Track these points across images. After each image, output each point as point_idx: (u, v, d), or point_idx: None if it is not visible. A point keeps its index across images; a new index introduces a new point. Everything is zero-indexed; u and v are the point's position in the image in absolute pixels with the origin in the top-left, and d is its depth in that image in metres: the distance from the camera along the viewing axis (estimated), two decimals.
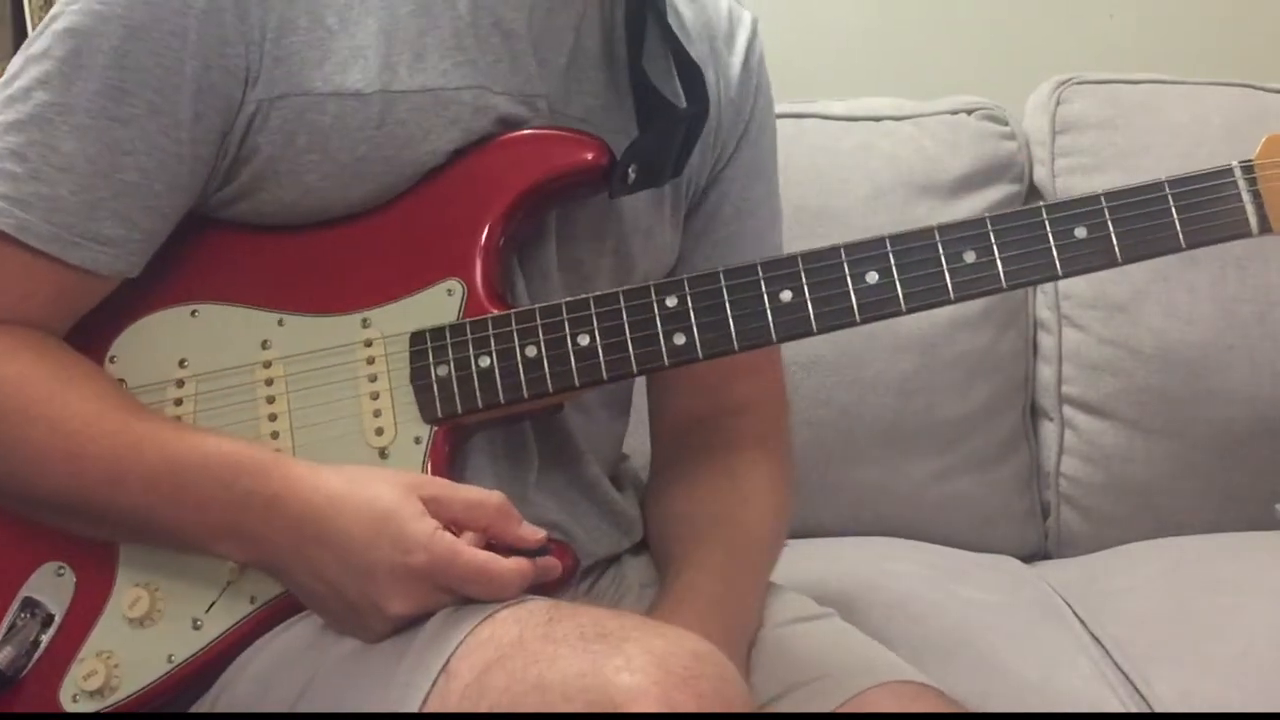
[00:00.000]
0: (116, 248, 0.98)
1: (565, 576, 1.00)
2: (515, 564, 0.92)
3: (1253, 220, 0.96)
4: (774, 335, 0.99)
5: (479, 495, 0.95)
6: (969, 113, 1.83)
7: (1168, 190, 0.96)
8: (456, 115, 1.03)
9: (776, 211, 1.25)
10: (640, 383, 1.26)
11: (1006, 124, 1.83)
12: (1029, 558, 1.77)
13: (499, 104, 1.05)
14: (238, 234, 1.04)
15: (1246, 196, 0.96)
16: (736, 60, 1.21)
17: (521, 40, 1.06)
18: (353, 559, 0.92)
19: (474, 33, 1.05)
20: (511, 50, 1.06)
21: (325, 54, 1.00)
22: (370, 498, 0.93)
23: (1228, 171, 0.96)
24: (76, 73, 0.96)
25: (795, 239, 1.25)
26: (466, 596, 0.92)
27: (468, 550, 0.91)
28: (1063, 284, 1.77)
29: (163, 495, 0.95)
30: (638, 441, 1.28)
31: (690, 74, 1.11)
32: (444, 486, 0.96)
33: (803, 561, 1.58)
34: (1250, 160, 0.96)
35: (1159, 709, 1.30)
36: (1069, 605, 1.53)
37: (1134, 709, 1.30)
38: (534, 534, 0.95)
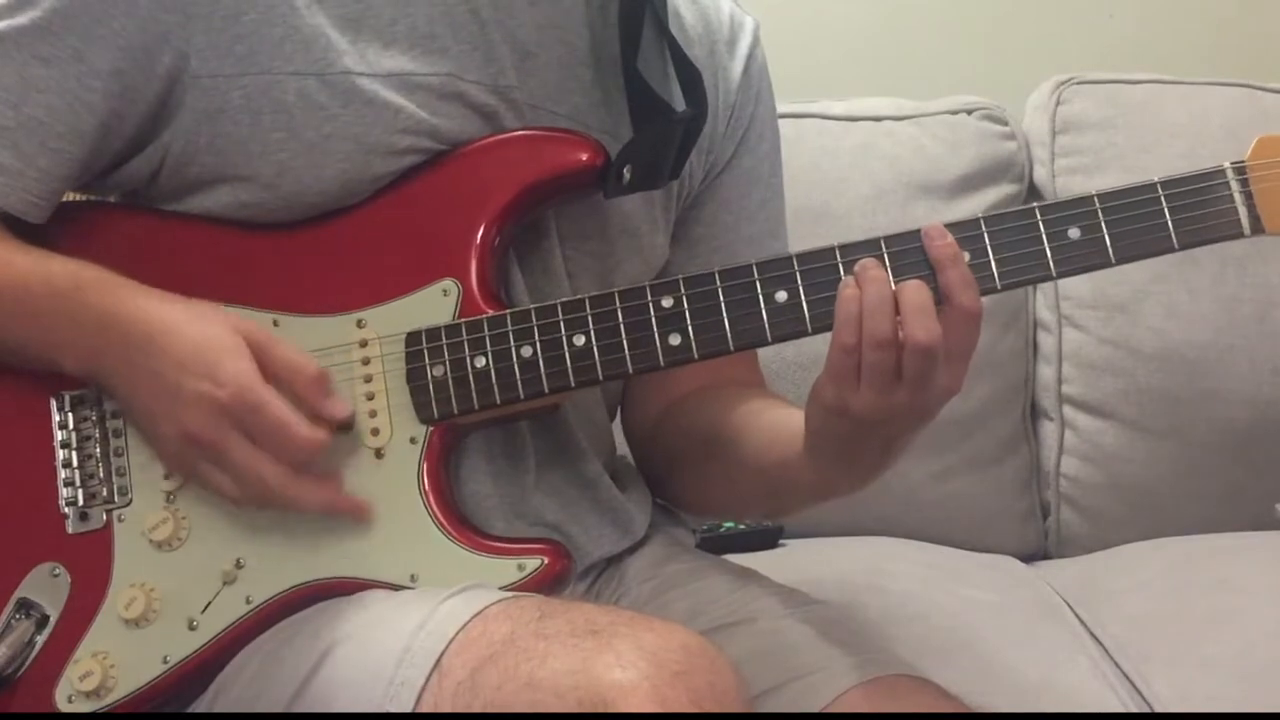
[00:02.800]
0: (8, 177, 1.01)
1: (561, 577, 1.00)
2: (314, 433, 0.96)
3: (1245, 221, 0.96)
4: (769, 335, 0.99)
5: (301, 359, 0.99)
6: (969, 113, 1.83)
7: (1160, 191, 0.96)
8: (424, 100, 1.03)
9: (778, 219, 1.25)
10: None
11: (1006, 124, 1.83)
12: (1029, 558, 1.77)
13: (468, 91, 1.05)
14: (232, 234, 1.05)
15: (1239, 197, 0.96)
16: (737, 66, 1.20)
17: (498, 31, 1.06)
18: (168, 379, 0.97)
19: (449, 20, 1.05)
20: (487, 40, 1.06)
21: (287, 32, 1.01)
22: (199, 329, 0.98)
23: (1220, 172, 0.96)
24: (23, 8, 1.00)
25: (795, 239, 1.24)
26: (256, 442, 0.96)
27: (275, 401, 0.96)
28: (1063, 284, 1.76)
29: (5, 307, 1.01)
30: None
31: (689, 76, 1.11)
32: (272, 339, 0.99)
33: (803, 561, 1.58)
34: (1242, 161, 0.96)
35: (1159, 709, 1.30)
36: (1069, 605, 1.53)
37: (1134, 709, 1.30)
38: (341, 409, 0.99)
